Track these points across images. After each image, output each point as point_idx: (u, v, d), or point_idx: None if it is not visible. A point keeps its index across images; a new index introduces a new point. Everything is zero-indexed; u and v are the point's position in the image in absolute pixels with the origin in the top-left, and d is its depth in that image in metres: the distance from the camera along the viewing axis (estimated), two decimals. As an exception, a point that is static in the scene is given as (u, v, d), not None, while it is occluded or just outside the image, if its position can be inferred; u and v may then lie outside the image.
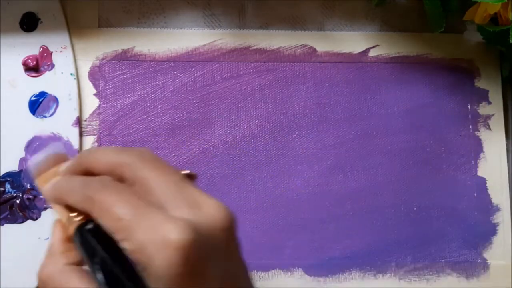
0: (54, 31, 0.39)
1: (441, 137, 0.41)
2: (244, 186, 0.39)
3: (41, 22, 0.39)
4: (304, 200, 0.40)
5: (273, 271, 0.39)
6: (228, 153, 0.40)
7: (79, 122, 0.39)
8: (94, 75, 0.39)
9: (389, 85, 0.41)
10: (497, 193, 0.41)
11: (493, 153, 0.41)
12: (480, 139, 0.41)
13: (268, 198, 0.39)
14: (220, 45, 0.40)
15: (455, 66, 0.42)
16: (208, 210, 0.23)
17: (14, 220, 0.37)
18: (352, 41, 0.41)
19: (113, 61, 0.40)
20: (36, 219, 0.37)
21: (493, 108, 0.41)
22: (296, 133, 0.40)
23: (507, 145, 0.41)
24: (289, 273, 0.39)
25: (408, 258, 0.40)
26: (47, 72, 0.38)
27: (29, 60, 0.38)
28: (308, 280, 0.39)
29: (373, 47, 0.41)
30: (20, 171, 0.38)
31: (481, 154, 0.41)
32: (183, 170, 0.26)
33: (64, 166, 0.27)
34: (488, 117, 0.41)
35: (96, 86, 0.39)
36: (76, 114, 0.38)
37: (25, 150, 0.38)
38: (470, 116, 0.41)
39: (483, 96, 0.41)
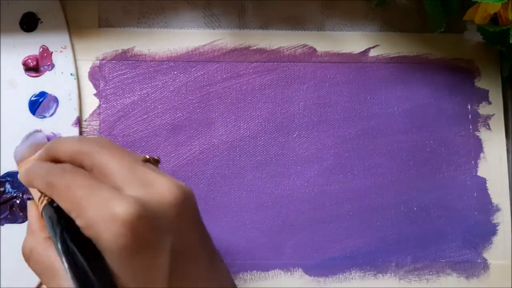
0: (54, 31, 0.39)
1: (441, 137, 0.41)
2: (244, 186, 0.39)
3: (41, 22, 0.39)
4: (304, 200, 0.40)
5: (273, 271, 0.39)
6: (228, 153, 0.40)
7: (79, 122, 0.39)
8: (94, 75, 0.39)
9: (389, 85, 0.41)
10: (497, 193, 0.41)
11: (493, 153, 0.41)
12: (480, 139, 0.41)
13: (268, 198, 0.39)
14: (220, 45, 0.40)
15: (455, 66, 0.42)
16: (158, 188, 0.25)
17: (14, 220, 0.37)
18: (352, 41, 0.41)
19: (113, 61, 0.40)
20: (36, 219, 0.37)
21: (493, 108, 0.41)
22: (296, 133, 0.40)
23: (507, 145, 0.41)
24: (289, 273, 0.39)
25: (408, 258, 0.40)
26: (47, 72, 0.38)
27: (29, 60, 0.38)
28: (308, 280, 0.39)
29: (373, 47, 0.41)
30: (20, 171, 0.38)
31: (481, 154, 0.41)
32: (146, 155, 0.28)
33: (36, 154, 0.30)
34: (488, 117, 0.41)
35: (96, 86, 0.39)
36: (76, 114, 0.38)
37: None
38: (470, 116, 0.41)
39: (483, 96, 0.41)
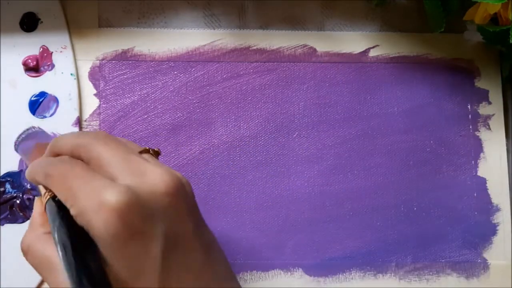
0: (54, 31, 0.39)
1: (441, 137, 0.41)
2: (244, 186, 0.39)
3: (41, 22, 0.39)
4: (304, 200, 0.40)
5: (273, 271, 0.39)
6: (228, 153, 0.40)
7: (79, 122, 0.39)
8: (94, 75, 0.39)
9: (389, 85, 0.41)
10: (497, 193, 0.41)
11: (493, 153, 0.41)
12: (480, 139, 0.41)
13: (268, 198, 0.39)
14: (220, 45, 0.40)
15: (455, 66, 0.42)
16: (151, 177, 0.25)
17: (14, 220, 0.37)
18: (352, 41, 0.41)
19: (113, 61, 0.40)
20: (36, 219, 0.37)
21: (493, 108, 0.41)
22: (296, 133, 0.40)
23: (507, 145, 0.41)
24: (289, 273, 0.39)
25: (408, 258, 0.40)
26: (47, 72, 0.38)
27: (29, 60, 0.38)
28: (308, 280, 0.39)
29: (373, 47, 0.41)
30: (20, 171, 0.38)
31: (481, 154, 0.41)
32: (146, 147, 0.28)
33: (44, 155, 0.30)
34: (488, 117, 0.41)
35: (96, 86, 0.39)
36: (76, 114, 0.38)
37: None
38: (470, 116, 0.41)
39: (483, 96, 0.41)
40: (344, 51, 0.41)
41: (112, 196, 0.23)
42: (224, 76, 0.40)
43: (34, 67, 0.38)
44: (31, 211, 0.37)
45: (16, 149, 0.35)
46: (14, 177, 0.38)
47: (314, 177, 0.40)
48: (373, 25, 0.42)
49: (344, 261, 0.39)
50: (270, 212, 0.39)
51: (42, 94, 0.38)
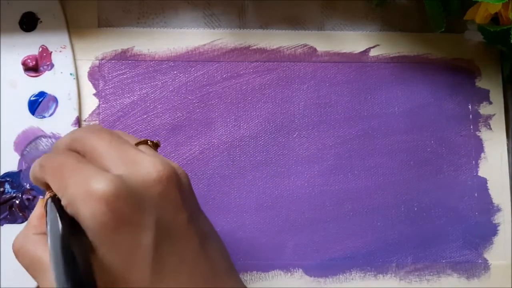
0: (54, 31, 0.39)
1: (441, 137, 0.41)
2: (244, 186, 0.39)
3: (41, 22, 0.39)
4: (304, 200, 0.39)
5: (273, 271, 0.39)
6: (228, 153, 0.40)
7: (78, 122, 0.38)
8: (94, 75, 0.39)
9: (389, 85, 0.41)
10: (498, 193, 0.40)
11: (494, 153, 0.41)
12: (481, 139, 0.41)
13: (268, 198, 0.39)
14: (220, 45, 0.40)
15: (456, 66, 0.41)
16: (143, 166, 0.25)
17: (13, 220, 0.37)
18: (352, 41, 0.41)
19: (113, 61, 0.40)
20: (36, 219, 0.37)
21: (494, 108, 0.41)
22: (296, 133, 0.40)
23: (508, 145, 0.41)
24: (289, 273, 0.39)
25: (409, 259, 0.40)
26: (47, 72, 0.38)
27: (29, 60, 0.38)
28: (308, 281, 0.39)
29: (374, 47, 0.41)
30: (20, 171, 0.37)
31: (482, 154, 0.41)
32: (146, 139, 0.28)
33: None
34: (489, 117, 0.41)
35: (95, 86, 0.39)
36: (76, 114, 0.38)
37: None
38: (471, 116, 0.41)
39: (484, 96, 0.41)
40: (344, 51, 0.41)
41: (99, 185, 0.23)
42: (224, 76, 0.40)
43: (33, 67, 0.38)
44: (31, 211, 0.37)
45: (24, 158, 0.35)
46: (14, 177, 0.37)
47: (314, 177, 0.40)
48: (373, 25, 0.42)
49: (345, 261, 0.39)
50: (270, 212, 0.39)
51: (42, 94, 0.38)
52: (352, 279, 0.39)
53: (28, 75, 0.38)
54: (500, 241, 0.40)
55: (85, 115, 0.39)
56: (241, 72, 0.40)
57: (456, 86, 0.41)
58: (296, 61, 0.41)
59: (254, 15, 0.41)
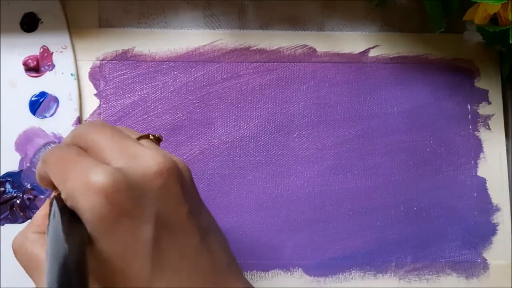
0: (55, 31, 0.39)
1: (441, 137, 0.41)
2: (244, 186, 0.39)
3: (42, 22, 0.39)
4: (303, 200, 0.40)
5: (273, 271, 0.39)
6: (228, 153, 0.40)
7: (79, 122, 0.39)
8: (95, 75, 0.39)
9: (389, 85, 0.41)
10: (497, 193, 0.41)
11: (493, 153, 0.41)
12: (480, 139, 0.41)
13: (268, 198, 0.39)
14: (220, 45, 0.40)
15: (455, 66, 0.42)
16: (143, 159, 0.24)
17: (14, 220, 0.37)
18: (352, 41, 0.41)
19: (114, 62, 0.40)
20: (37, 219, 0.37)
21: (493, 108, 0.41)
22: (296, 133, 0.40)
23: (507, 145, 0.41)
24: (289, 273, 0.39)
25: (408, 258, 0.40)
26: (48, 72, 0.39)
27: (30, 60, 0.38)
28: (308, 280, 0.39)
29: (373, 47, 0.41)
30: (20, 171, 0.38)
31: (481, 154, 0.41)
32: (148, 133, 0.28)
33: None
34: (488, 117, 0.41)
35: (96, 86, 0.39)
36: (77, 114, 0.38)
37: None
38: (470, 116, 0.41)
39: (483, 96, 0.41)
40: (344, 51, 0.41)
41: (98, 177, 0.23)
42: (224, 76, 0.40)
43: (34, 67, 0.38)
44: (31, 211, 0.37)
45: (33, 165, 0.35)
46: (14, 177, 0.38)
47: (314, 177, 0.40)
48: (373, 25, 0.42)
49: (344, 261, 0.39)
50: (270, 212, 0.39)
51: (43, 94, 0.38)
52: (352, 278, 0.39)
53: (29, 75, 0.38)
54: (499, 240, 0.40)
55: (86, 115, 0.39)
56: (241, 73, 0.40)
57: (455, 86, 0.41)
58: (296, 62, 0.41)
59: (254, 16, 0.41)
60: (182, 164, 0.26)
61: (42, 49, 0.39)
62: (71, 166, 0.24)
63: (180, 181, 0.25)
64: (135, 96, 0.40)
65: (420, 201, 0.40)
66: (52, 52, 0.39)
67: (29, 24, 0.39)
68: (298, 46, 0.41)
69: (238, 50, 0.40)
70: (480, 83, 0.42)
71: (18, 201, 0.37)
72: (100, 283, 0.23)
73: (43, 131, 0.38)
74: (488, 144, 0.41)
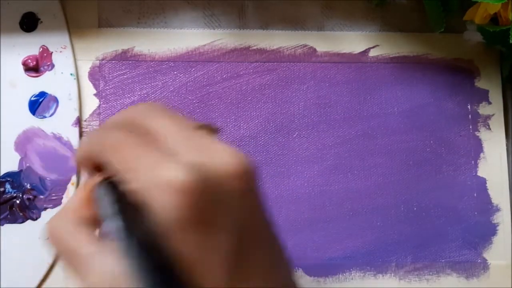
0: (54, 31, 0.39)
1: (441, 137, 0.41)
2: (244, 186, 0.39)
3: (41, 22, 0.39)
4: (304, 200, 0.40)
5: (273, 271, 0.39)
6: (228, 153, 0.40)
7: (79, 122, 0.39)
8: (94, 75, 0.39)
9: (389, 85, 0.41)
10: (497, 193, 0.41)
11: (493, 153, 0.41)
12: (480, 139, 0.41)
13: (268, 198, 0.39)
14: (220, 45, 0.40)
15: (455, 66, 0.42)
16: (220, 155, 0.21)
17: (14, 220, 0.37)
18: (352, 41, 0.41)
19: (113, 61, 0.40)
20: (36, 219, 0.37)
21: (493, 108, 0.41)
22: (296, 133, 0.40)
23: (507, 145, 0.41)
24: (289, 273, 0.39)
25: (408, 258, 0.40)
26: (47, 72, 0.38)
27: (29, 60, 0.38)
28: (308, 280, 0.39)
29: (373, 47, 0.41)
30: (20, 171, 0.38)
31: (481, 154, 0.41)
32: (203, 122, 0.24)
33: None
34: (488, 117, 0.41)
35: (96, 86, 0.39)
36: (76, 114, 0.38)
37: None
38: (470, 116, 0.41)
39: (483, 96, 0.41)
40: (344, 51, 0.41)
41: (178, 174, 0.19)
42: (224, 76, 0.40)
43: (34, 67, 0.38)
44: (31, 211, 0.37)
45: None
46: (14, 177, 0.38)
47: (314, 177, 0.40)
48: (373, 25, 0.42)
49: (344, 261, 0.39)
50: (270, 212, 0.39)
51: (42, 94, 0.38)
52: (352, 278, 0.39)
53: (28, 75, 0.38)
54: (499, 240, 0.40)
55: (86, 115, 0.39)
56: (241, 73, 0.40)
57: (455, 86, 0.41)
58: (296, 62, 0.41)
59: (254, 15, 0.41)
60: (251, 159, 0.22)
61: (41, 49, 0.39)
62: (137, 155, 0.21)
63: (256, 182, 0.22)
64: (135, 96, 0.40)
65: (420, 201, 0.40)
66: (52, 52, 0.39)
67: (29, 24, 0.39)
68: (298, 46, 0.41)
69: (238, 50, 0.40)
70: (480, 83, 0.42)
71: (17, 201, 0.37)
72: None
73: (43, 131, 0.38)
74: (488, 144, 0.41)
